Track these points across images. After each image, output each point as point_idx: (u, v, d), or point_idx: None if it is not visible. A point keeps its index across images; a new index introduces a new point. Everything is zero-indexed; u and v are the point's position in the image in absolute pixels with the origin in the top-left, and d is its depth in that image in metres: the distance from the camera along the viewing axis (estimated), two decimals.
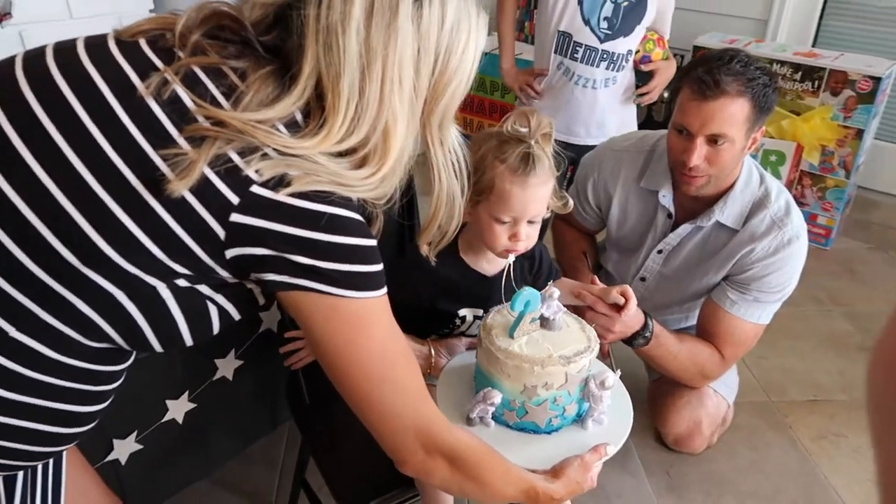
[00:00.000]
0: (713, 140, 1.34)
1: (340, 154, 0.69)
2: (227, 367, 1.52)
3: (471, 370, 1.10)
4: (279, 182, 0.65)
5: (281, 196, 0.65)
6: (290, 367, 1.30)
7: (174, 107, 0.65)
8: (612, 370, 1.49)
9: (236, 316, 0.76)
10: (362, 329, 0.72)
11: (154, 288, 0.67)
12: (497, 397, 0.98)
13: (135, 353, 0.78)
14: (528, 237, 1.12)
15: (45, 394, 0.70)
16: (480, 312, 1.23)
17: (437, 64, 0.72)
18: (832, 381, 2.15)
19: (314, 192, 0.66)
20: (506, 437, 1.01)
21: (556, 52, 1.97)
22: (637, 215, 1.59)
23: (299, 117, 0.69)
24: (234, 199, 0.64)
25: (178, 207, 0.64)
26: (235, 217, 0.65)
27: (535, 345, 1.00)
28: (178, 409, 1.44)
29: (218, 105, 0.66)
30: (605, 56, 1.94)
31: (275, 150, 0.65)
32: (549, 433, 1.02)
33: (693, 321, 1.70)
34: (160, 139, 0.64)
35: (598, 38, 1.93)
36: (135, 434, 1.37)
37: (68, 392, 0.71)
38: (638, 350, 1.44)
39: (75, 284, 0.65)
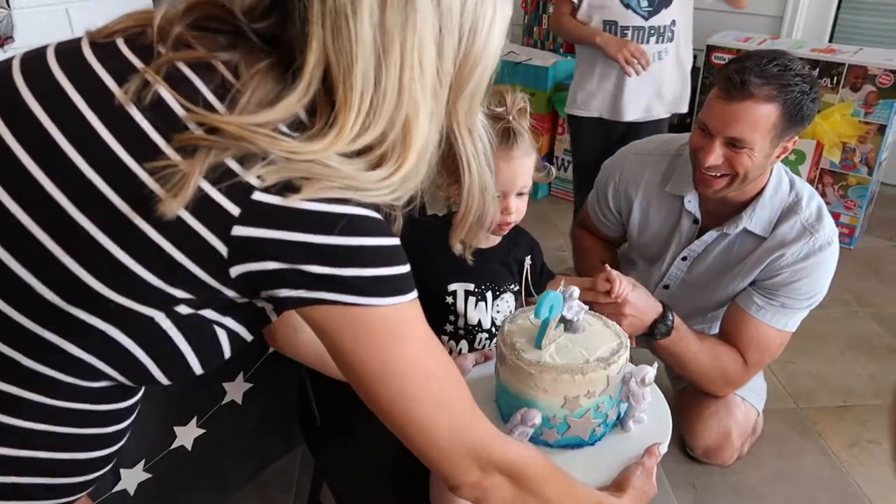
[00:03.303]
0: (732, 143, 1.28)
1: (355, 154, 0.61)
2: (235, 390, 1.47)
3: (487, 389, 1.03)
4: (285, 188, 0.57)
5: (289, 201, 0.57)
6: (300, 388, 1.26)
7: (159, 112, 0.58)
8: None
9: (248, 337, 0.69)
10: (397, 341, 0.64)
11: (151, 319, 0.60)
12: (537, 417, 0.91)
13: (142, 388, 0.72)
14: (518, 209, 1.19)
15: (46, 444, 0.64)
16: (471, 287, 1.21)
17: (461, 45, 0.64)
18: (863, 385, 2.08)
19: (327, 197, 0.59)
20: (550, 458, 0.94)
21: None
22: (660, 221, 1.54)
23: (304, 115, 0.61)
24: (235, 211, 0.57)
25: (172, 227, 0.57)
26: (238, 230, 0.57)
27: (566, 352, 0.94)
28: (186, 435, 1.40)
29: (211, 109, 0.58)
30: (652, 32, 2.05)
31: (280, 156, 0.58)
32: (593, 444, 0.97)
33: (716, 330, 1.64)
34: (145, 151, 0.57)
35: (643, 16, 2.04)
36: (143, 463, 1.33)
37: (72, 438, 0.66)
38: (659, 345, 1.39)
39: (62, 326, 0.60)
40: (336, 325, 0.62)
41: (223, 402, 1.46)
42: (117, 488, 1.30)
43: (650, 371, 0.95)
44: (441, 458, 0.69)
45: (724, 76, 1.27)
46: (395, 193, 0.64)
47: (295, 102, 0.59)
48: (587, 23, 2.08)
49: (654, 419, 1.00)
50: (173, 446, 1.39)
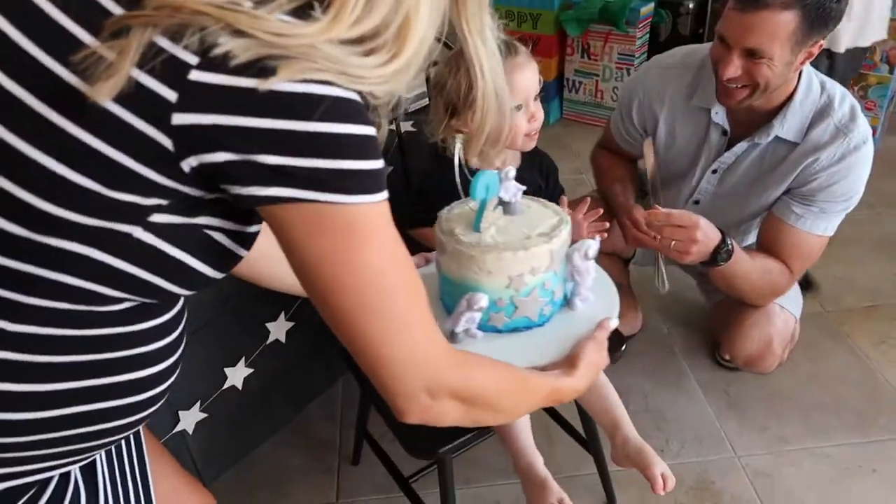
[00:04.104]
0: (751, 54, 1.25)
1: (349, 42, 0.55)
2: (279, 329, 1.51)
3: (431, 288, 0.98)
4: (257, 69, 0.50)
5: (234, 79, 0.49)
6: None
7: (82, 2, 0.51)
8: (663, 285, 1.48)
9: (254, 230, 0.63)
10: (357, 245, 0.57)
11: (129, 235, 0.55)
12: (483, 300, 0.87)
13: (178, 298, 0.68)
14: (539, 113, 1.24)
15: (91, 372, 0.61)
16: None
17: None
18: (890, 285, 2.11)
19: (305, 78, 0.51)
20: (501, 342, 0.92)
21: None
22: (687, 135, 1.51)
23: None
24: (172, 96, 0.50)
25: (106, 125, 0.51)
26: (179, 118, 0.50)
27: (506, 232, 0.91)
28: (236, 375, 1.45)
29: None
30: None
31: (264, 39, 0.50)
32: (542, 325, 0.94)
33: (749, 241, 1.65)
34: (63, 45, 0.50)
35: None
36: (199, 404, 1.38)
37: (118, 362, 0.63)
38: (716, 271, 1.39)
39: (44, 259, 0.55)
40: (289, 225, 0.55)
41: (268, 342, 1.49)
42: (177, 429, 1.36)
43: (593, 244, 0.93)
44: (393, 381, 0.63)
45: None
46: (385, 85, 0.58)
47: None
48: None
49: (600, 296, 0.99)
50: (225, 386, 1.43)
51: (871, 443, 1.61)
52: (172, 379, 0.71)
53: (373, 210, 0.57)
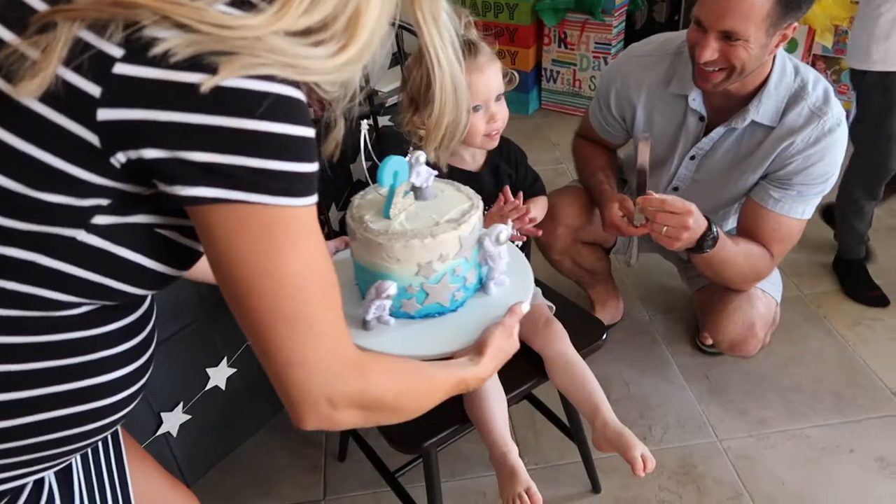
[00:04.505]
0: (727, 36, 1.26)
1: (296, 34, 0.53)
2: None
3: (348, 273, 0.98)
4: (192, 66, 0.48)
5: (168, 73, 0.47)
6: None
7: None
8: (634, 258, 1.48)
9: None
10: (278, 249, 0.55)
11: (73, 238, 0.54)
12: (392, 287, 0.86)
13: (142, 298, 0.66)
14: (502, 114, 1.23)
15: (56, 378, 0.60)
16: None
17: None
18: None
19: (248, 74, 0.50)
20: (413, 329, 0.91)
21: None
22: (664, 122, 1.52)
23: None
24: (95, 91, 0.48)
25: (29, 125, 0.49)
26: (104, 114, 0.49)
27: (416, 218, 0.90)
28: (219, 375, 1.43)
29: None
30: None
31: (206, 31, 0.48)
32: (455, 310, 0.94)
33: (729, 226, 1.67)
34: None
35: None
36: (181, 405, 1.37)
37: (81, 366, 0.62)
38: (701, 258, 1.40)
39: None
40: (215, 224, 0.54)
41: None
42: (161, 431, 1.34)
43: (504, 229, 0.92)
44: (295, 387, 0.61)
45: None
46: (334, 75, 0.56)
47: None
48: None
49: (516, 280, 0.98)
50: (208, 387, 1.42)
51: (847, 423, 1.64)
52: (144, 380, 0.69)
53: (299, 213, 0.55)
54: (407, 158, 0.91)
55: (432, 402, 0.77)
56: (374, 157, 0.92)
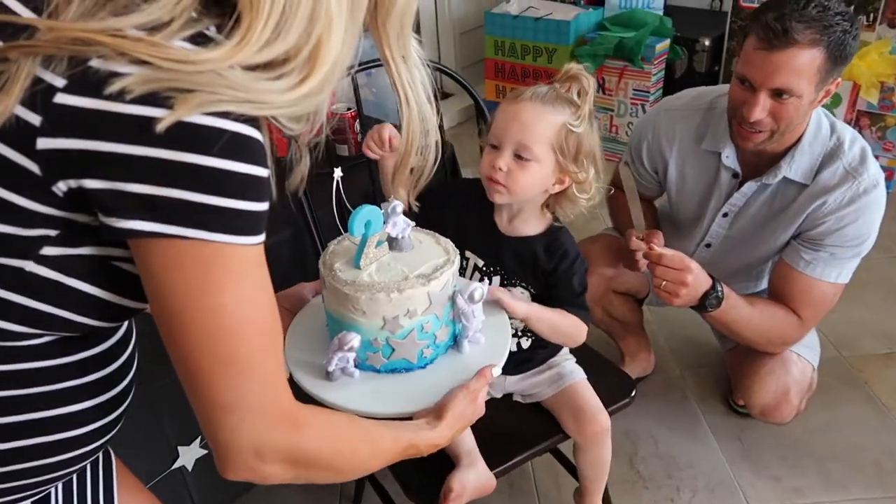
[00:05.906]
0: (778, 94, 1.24)
1: (255, 67, 0.52)
2: None
3: (322, 317, 0.95)
4: (152, 102, 0.47)
5: (116, 105, 0.47)
6: None
7: None
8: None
9: None
10: (215, 287, 0.53)
11: (21, 269, 0.53)
12: (355, 340, 0.83)
13: (110, 332, 0.66)
14: (509, 171, 1.03)
15: (26, 407, 0.60)
16: (481, 263, 1.14)
17: None
18: None
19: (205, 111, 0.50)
20: (377, 384, 0.87)
21: None
22: (696, 179, 1.50)
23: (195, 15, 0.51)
24: (35, 119, 0.48)
25: None
26: (43, 143, 0.49)
27: (386, 270, 0.87)
28: None
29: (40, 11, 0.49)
30: None
31: (149, 63, 0.48)
32: (423, 367, 0.89)
33: (762, 286, 1.62)
34: None
35: None
36: (199, 440, 1.36)
37: (51, 395, 0.61)
38: (710, 316, 1.37)
39: None
40: (152, 255, 0.52)
41: None
42: (176, 465, 1.34)
43: (479, 287, 0.88)
44: (222, 432, 0.59)
45: (761, 25, 1.21)
46: (294, 108, 0.55)
47: (171, 3, 0.50)
48: None
49: (492, 339, 0.93)
50: None
51: (889, 498, 1.55)
52: (121, 410, 0.68)
53: (241, 252, 0.54)
54: (382, 208, 0.87)
55: (375, 465, 0.74)
56: (348, 204, 0.90)
